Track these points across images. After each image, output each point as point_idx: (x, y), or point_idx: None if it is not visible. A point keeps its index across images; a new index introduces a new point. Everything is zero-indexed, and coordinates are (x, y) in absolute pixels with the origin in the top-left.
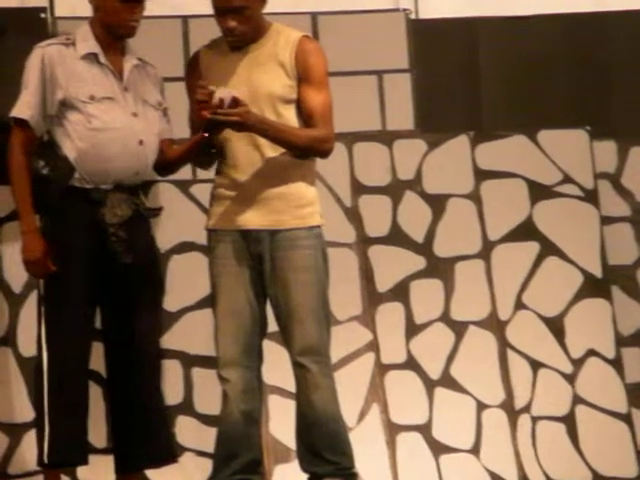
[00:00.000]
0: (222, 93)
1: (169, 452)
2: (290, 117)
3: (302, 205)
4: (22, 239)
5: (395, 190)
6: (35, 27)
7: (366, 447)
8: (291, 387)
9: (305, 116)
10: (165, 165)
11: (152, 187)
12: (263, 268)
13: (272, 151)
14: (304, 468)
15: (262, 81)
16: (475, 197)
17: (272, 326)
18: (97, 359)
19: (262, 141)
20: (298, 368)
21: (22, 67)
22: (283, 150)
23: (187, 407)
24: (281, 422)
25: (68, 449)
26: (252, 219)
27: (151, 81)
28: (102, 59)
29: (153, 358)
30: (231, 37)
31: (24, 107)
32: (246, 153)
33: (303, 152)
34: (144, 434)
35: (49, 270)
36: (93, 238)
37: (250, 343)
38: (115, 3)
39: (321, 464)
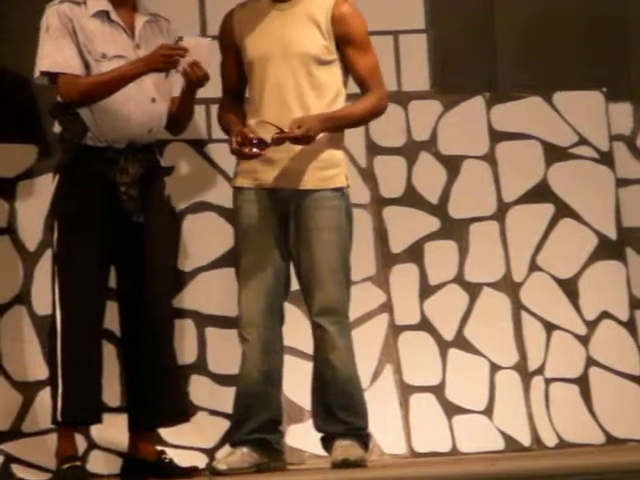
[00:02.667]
0: (188, 42)
1: (182, 411)
2: (323, 78)
3: (327, 166)
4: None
5: (410, 151)
6: None
7: (379, 408)
8: (304, 347)
9: (356, 81)
10: (173, 123)
11: (166, 146)
12: (288, 227)
13: (302, 111)
14: (318, 427)
15: (295, 39)
16: (490, 158)
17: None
18: (112, 318)
19: (291, 101)
20: (317, 328)
21: (37, 25)
22: (312, 109)
23: (201, 367)
24: (294, 382)
25: (82, 408)
26: (277, 179)
27: (164, 37)
28: (113, 16)
29: (165, 317)
30: None
31: (57, 59)
32: (274, 113)
33: (366, 123)
34: (157, 393)
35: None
36: (105, 197)
37: (272, 303)
38: None
39: (334, 424)
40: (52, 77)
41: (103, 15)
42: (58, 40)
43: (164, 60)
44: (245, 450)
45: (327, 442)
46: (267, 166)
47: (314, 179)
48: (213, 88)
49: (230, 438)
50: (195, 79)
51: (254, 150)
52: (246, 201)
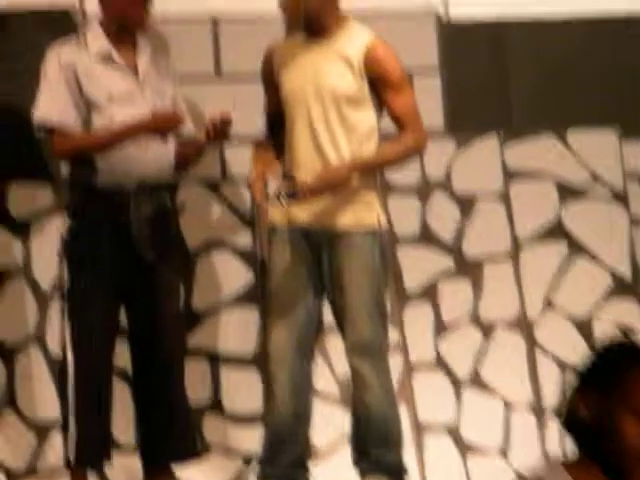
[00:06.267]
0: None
1: (193, 447)
2: (355, 118)
3: (359, 207)
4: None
5: (424, 190)
6: (65, 27)
7: None
8: (325, 388)
9: (394, 121)
10: (182, 164)
11: (180, 185)
12: (321, 267)
13: (333, 152)
14: (354, 463)
15: (326, 78)
16: (504, 197)
17: None
18: (123, 356)
19: (323, 141)
20: (351, 367)
21: None
22: (342, 148)
23: (214, 405)
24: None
25: (92, 449)
26: (309, 218)
27: (164, 71)
28: (115, 57)
29: (176, 356)
30: (282, 9)
31: (50, 109)
32: (307, 152)
33: (402, 164)
34: (167, 429)
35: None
36: (117, 237)
37: (303, 343)
38: None
39: (367, 460)
40: (47, 128)
41: (105, 56)
42: (54, 89)
43: (161, 130)
44: None
45: (362, 478)
46: (299, 205)
47: (346, 220)
48: None
49: (259, 473)
50: (219, 138)
51: (282, 202)
52: (280, 239)
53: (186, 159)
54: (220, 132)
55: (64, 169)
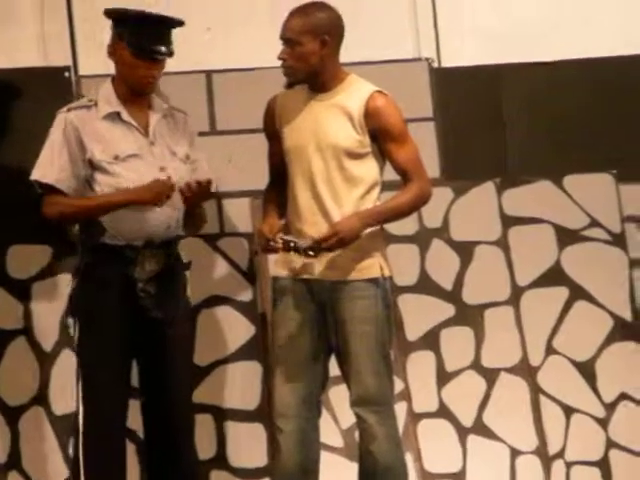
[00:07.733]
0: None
1: None
2: (356, 171)
3: (361, 257)
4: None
5: (422, 238)
6: (59, 86)
7: None
8: (327, 440)
9: (398, 173)
10: (190, 222)
11: (180, 241)
12: (326, 318)
13: (334, 202)
14: None
15: (327, 131)
16: (503, 243)
17: None
18: (133, 417)
19: (323, 192)
20: (357, 418)
21: (46, 126)
22: (344, 201)
23: (220, 461)
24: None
25: None
26: (312, 270)
27: (180, 133)
28: (125, 116)
29: (187, 415)
30: (282, 68)
31: (48, 171)
32: (307, 203)
33: (409, 215)
34: None
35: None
36: (124, 294)
37: (309, 394)
38: (129, 58)
39: None
40: (42, 188)
41: (114, 116)
42: (54, 152)
43: (154, 198)
44: None
45: None
46: (312, 259)
47: (348, 271)
48: (223, 184)
49: None
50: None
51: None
52: (282, 290)
53: (196, 218)
54: (198, 194)
55: (64, 230)
